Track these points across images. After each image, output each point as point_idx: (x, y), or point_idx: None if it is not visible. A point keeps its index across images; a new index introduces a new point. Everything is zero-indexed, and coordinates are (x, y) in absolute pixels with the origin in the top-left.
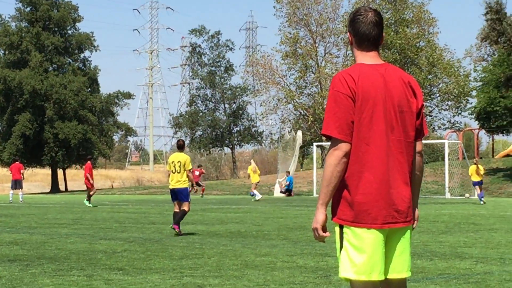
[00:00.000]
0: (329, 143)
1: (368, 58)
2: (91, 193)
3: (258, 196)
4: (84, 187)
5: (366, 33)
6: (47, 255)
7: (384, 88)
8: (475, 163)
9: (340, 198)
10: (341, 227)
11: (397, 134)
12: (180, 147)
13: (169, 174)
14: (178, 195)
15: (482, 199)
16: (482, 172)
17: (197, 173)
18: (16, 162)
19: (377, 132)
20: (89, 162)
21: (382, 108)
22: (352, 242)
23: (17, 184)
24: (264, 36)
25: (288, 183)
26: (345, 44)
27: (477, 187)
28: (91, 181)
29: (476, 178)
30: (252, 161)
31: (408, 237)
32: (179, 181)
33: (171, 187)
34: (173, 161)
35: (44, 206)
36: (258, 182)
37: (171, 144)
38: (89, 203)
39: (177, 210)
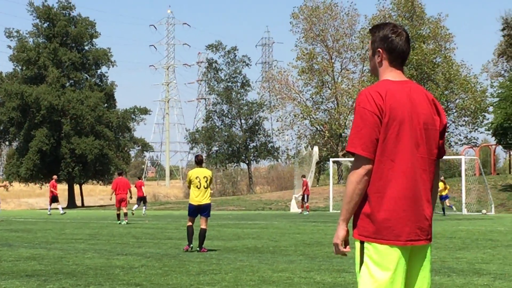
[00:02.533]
0: (345, 159)
1: (395, 74)
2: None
3: None
4: (101, 203)
5: (403, 50)
6: (64, 270)
7: (410, 104)
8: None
9: (362, 214)
10: (362, 243)
11: (422, 151)
12: (200, 162)
13: (189, 189)
14: (204, 211)
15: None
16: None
17: None
18: (53, 180)
19: (403, 149)
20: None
21: (409, 125)
22: (374, 258)
23: (55, 198)
24: (280, 51)
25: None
26: (362, 59)
27: (446, 200)
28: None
29: (444, 192)
30: None
31: (429, 255)
32: (205, 197)
33: (195, 202)
34: (197, 177)
35: (61, 221)
36: None
37: (187, 160)
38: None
39: (191, 224)
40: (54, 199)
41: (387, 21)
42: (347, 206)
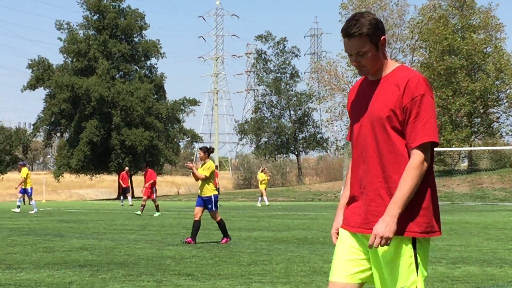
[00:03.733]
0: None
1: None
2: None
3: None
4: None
5: None
6: (116, 261)
7: None
8: None
9: (422, 209)
10: (414, 241)
11: None
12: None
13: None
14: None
15: None
16: None
17: None
18: (123, 172)
19: None
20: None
21: None
22: (424, 255)
23: (126, 190)
24: (329, 42)
25: None
26: (411, 50)
27: None
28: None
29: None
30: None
31: None
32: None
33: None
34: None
35: (112, 212)
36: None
37: (236, 151)
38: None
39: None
40: (123, 190)
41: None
42: (407, 199)
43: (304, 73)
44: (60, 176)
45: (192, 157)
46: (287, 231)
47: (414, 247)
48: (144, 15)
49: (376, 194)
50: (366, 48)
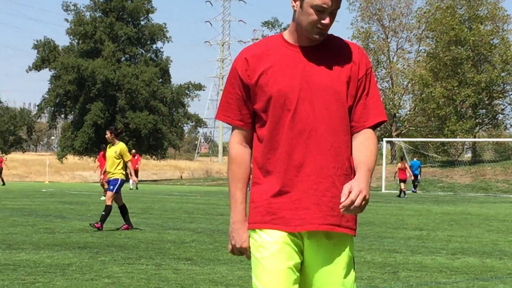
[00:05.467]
0: (399, 139)
1: None
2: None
3: None
4: (154, 177)
5: None
6: (116, 243)
7: None
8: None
9: None
10: None
11: None
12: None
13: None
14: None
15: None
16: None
17: None
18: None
19: None
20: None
21: None
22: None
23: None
24: (336, 30)
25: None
26: (418, 39)
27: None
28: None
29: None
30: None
31: None
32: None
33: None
34: None
35: None
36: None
37: None
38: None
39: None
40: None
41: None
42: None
43: None
44: (64, 158)
45: (196, 142)
46: None
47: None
48: None
49: (331, 182)
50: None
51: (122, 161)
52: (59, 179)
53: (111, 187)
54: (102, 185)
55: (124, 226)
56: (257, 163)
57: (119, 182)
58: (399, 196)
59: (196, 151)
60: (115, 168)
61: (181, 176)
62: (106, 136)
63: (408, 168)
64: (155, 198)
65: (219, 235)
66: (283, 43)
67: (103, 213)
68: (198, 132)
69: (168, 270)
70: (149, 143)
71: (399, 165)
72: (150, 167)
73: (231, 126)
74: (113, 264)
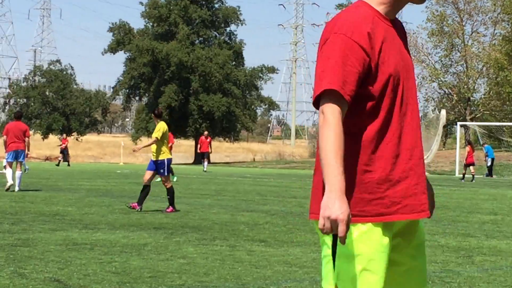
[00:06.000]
0: (473, 123)
1: None
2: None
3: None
4: (227, 159)
5: None
6: (190, 224)
7: None
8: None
9: None
10: None
11: None
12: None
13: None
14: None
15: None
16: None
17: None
18: (202, 136)
19: None
20: None
21: None
22: None
23: (204, 155)
24: (410, 13)
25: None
26: (493, 23)
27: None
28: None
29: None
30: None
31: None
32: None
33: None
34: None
35: (188, 176)
36: None
37: (313, 120)
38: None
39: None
40: (201, 155)
41: None
42: None
43: None
44: (138, 140)
45: (268, 125)
46: None
47: None
48: None
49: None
50: None
51: (166, 142)
52: (133, 160)
53: (161, 170)
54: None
55: (133, 204)
56: (367, 148)
57: (167, 163)
58: (462, 179)
59: (269, 134)
60: (160, 149)
61: (254, 159)
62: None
63: (472, 152)
64: (228, 180)
65: (293, 217)
66: (379, 16)
67: (168, 196)
68: (271, 115)
69: (242, 252)
70: (222, 126)
71: (467, 149)
72: (223, 150)
73: (304, 110)
74: (188, 244)
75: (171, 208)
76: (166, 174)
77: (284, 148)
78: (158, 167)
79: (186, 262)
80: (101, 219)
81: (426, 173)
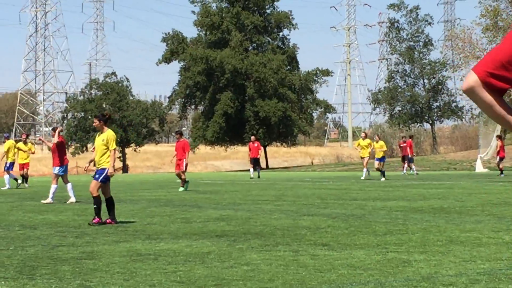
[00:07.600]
0: None
1: None
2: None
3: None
4: (285, 164)
5: None
6: (252, 231)
7: None
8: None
9: None
10: None
11: None
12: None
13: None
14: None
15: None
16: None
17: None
18: (250, 142)
19: None
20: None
21: None
22: None
23: (252, 161)
24: (463, 9)
25: None
26: None
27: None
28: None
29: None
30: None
31: None
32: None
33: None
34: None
35: (247, 183)
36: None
37: (370, 121)
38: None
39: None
40: (255, 162)
41: None
42: None
43: (438, 41)
44: (196, 148)
45: (325, 128)
46: (422, 200)
47: None
48: None
49: None
50: None
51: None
52: (192, 169)
53: (97, 176)
54: (179, 175)
55: (108, 221)
56: None
57: (106, 171)
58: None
59: (326, 137)
60: (104, 157)
61: (312, 162)
62: (94, 124)
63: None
64: (287, 185)
65: (354, 219)
66: None
67: (95, 206)
68: (327, 117)
69: (305, 256)
70: (279, 131)
71: (498, 143)
72: (280, 154)
73: (360, 112)
74: (251, 251)
75: (97, 219)
76: (100, 181)
77: (342, 150)
78: (97, 172)
79: (250, 269)
80: (163, 229)
81: (486, 170)
